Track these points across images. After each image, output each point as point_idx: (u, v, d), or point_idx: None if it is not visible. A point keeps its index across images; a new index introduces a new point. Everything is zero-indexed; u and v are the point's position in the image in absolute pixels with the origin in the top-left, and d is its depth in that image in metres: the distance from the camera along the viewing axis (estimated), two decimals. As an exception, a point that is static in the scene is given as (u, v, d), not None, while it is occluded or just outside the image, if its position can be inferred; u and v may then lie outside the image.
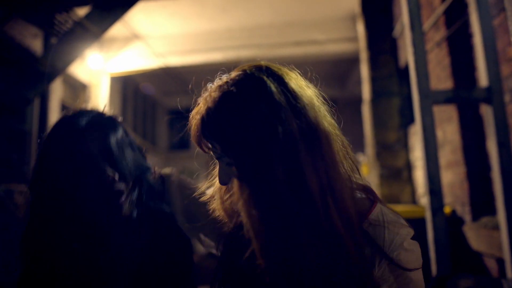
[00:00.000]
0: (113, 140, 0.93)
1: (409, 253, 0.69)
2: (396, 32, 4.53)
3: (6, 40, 4.25)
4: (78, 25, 2.59)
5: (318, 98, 0.72)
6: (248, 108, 0.65)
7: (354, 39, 5.64)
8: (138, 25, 5.98)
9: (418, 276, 0.70)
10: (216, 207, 0.79)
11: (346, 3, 5.47)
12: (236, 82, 0.70)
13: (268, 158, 0.62)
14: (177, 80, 7.88)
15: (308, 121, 0.65)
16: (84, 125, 0.91)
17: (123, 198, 0.91)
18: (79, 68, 6.06)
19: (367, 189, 0.73)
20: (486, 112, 2.00)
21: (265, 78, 0.69)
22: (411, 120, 4.25)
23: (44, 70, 2.56)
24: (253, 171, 0.63)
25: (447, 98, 1.99)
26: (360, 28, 5.10)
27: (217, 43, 6.26)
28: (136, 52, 6.43)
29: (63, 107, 5.74)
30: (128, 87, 7.86)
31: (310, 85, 0.74)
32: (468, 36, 2.86)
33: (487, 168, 2.66)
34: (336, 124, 0.72)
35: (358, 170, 0.73)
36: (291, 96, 0.66)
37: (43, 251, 0.86)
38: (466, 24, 2.82)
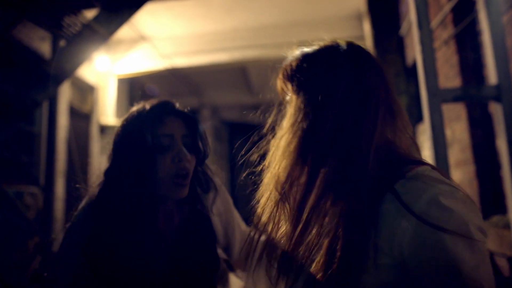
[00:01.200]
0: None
1: (443, 210, 0.55)
2: (403, 30, 4.51)
3: (14, 43, 4.29)
4: (86, 28, 2.61)
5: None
6: (327, 61, 0.74)
7: (361, 38, 5.61)
8: (145, 26, 6.02)
9: (457, 245, 0.54)
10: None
11: (352, 2, 5.45)
12: (318, 46, 0.81)
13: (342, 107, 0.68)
14: (184, 81, 7.90)
15: (363, 82, 0.70)
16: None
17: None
18: (86, 70, 6.10)
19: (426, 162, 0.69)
20: (495, 110, 1.98)
21: (342, 43, 0.79)
22: (418, 119, 4.22)
23: (54, 72, 2.58)
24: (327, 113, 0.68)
25: (455, 96, 1.97)
26: (367, 27, 5.08)
27: (223, 43, 6.27)
28: (142, 54, 6.47)
29: (71, 109, 5.79)
30: (135, 88, 7.91)
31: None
32: (476, 34, 2.83)
33: (497, 166, 2.64)
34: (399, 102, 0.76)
35: (417, 147, 0.73)
36: (358, 58, 0.74)
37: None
38: (474, 22, 2.79)
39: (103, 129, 6.60)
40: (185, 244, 1.01)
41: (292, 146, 0.69)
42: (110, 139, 1.02)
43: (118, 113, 6.90)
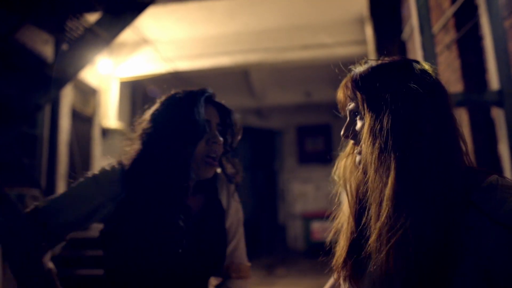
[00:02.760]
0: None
1: None
2: (405, 34, 4.50)
3: (18, 47, 4.31)
4: (89, 31, 2.62)
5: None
6: (399, 74, 0.74)
7: (363, 42, 5.61)
8: (147, 30, 6.04)
9: None
10: (343, 175, 0.85)
11: (354, 6, 5.46)
12: (388, 60, 0.79)
13: (409, 115, 0.69)
14: (186, 84, 7.89)
15: (441, 97, 0.73)
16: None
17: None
18: (89, 73, 6.12)
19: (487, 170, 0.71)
20: (498, 115, 1.98)
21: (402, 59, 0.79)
22: (420, 123, 4.20)
23: (56, 76, 2.60)
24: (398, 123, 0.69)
25: (457, 101, 1.97)
26: (369, 31, 5.08)
27: (225, 47, 6.28)
28: (145, 57, 6.49)
29: (74, 112, 5.81)
30: (137, 91, 7.93)
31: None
32: (479, 38, 2.83)
33: (499, 171, 2.63)
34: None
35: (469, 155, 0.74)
36: (429, 75, 0.75)
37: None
38: (477, 26, 2.79)
39: (105, 132, 6.61)
40: (203, 230, 1.08)
41: (384, 160, 0.69)
42: (148, 112, 1.10)
43: (120, 116, 6.91)
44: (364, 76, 0.76)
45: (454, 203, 0.63)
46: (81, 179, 1.05)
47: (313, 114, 9.35)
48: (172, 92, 1.14)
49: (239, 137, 1.20)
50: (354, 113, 0.79)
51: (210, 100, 1.15)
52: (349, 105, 0.80)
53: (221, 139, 1.09)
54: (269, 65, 6.43)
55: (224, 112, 1.16)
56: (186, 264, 1.02)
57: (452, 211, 0.63)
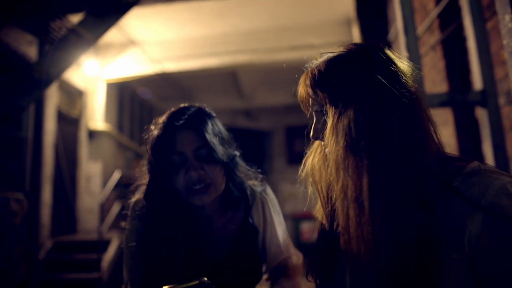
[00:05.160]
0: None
1: None
2: (391, 36, 4.56)
3: (1, 48, 4.23)
4: (72, 32, 2.58)
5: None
6: (357, 63, 0.71)
7: (349, 43, 5.65)
8: (134, 31, 5.99)
9: None
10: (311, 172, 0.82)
11: (341, 8, 5.50)
12: (345, 49, 0.76)
13: (370, 107, 0.66)
14: (174, 85, 7.87)
15: (404, 83, 0.69)
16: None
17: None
18: (75, 74, 6.04)
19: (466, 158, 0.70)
20: (481, 115, 2.01)
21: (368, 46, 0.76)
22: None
23: (39, 77, 2.55)
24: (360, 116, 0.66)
25: (442, 101, 1.99)
26: (355, 32, 5.13)
27: (213, 48, 6.27)
28: (132, 58, 6.43)
29: (59, 113, 5.72)
30: (124, 93, 7.86)
31: (404, 60, 0.76)
32: (462, 40, 2.87)
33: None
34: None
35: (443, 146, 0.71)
36: (391, 61, 0.72)
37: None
38: (460, 27, 2.83)
39: (92, 134, 6.53)
40: (235, 253, 1.08)
41: (358, 157, 0.65)
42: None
43: (107, 118, 6.84)
44: (322, 72, 0.73)
45: (431, 191, 0.62)
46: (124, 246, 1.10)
47: (302, 114, 9.27)
48: (152, 126, 1.08)
49: (233, 144, 1.11)
50: (319, 112, 0.76)
51: (182, 126, 1.00)
52: (313, 104, 0.77)
53: (197, 167, 0.98)
54: (258, 66, 6.44)
55: (202, 132, 1.00)
56: (224, 277, 1.04)
57: (430, 199, 0.61)
